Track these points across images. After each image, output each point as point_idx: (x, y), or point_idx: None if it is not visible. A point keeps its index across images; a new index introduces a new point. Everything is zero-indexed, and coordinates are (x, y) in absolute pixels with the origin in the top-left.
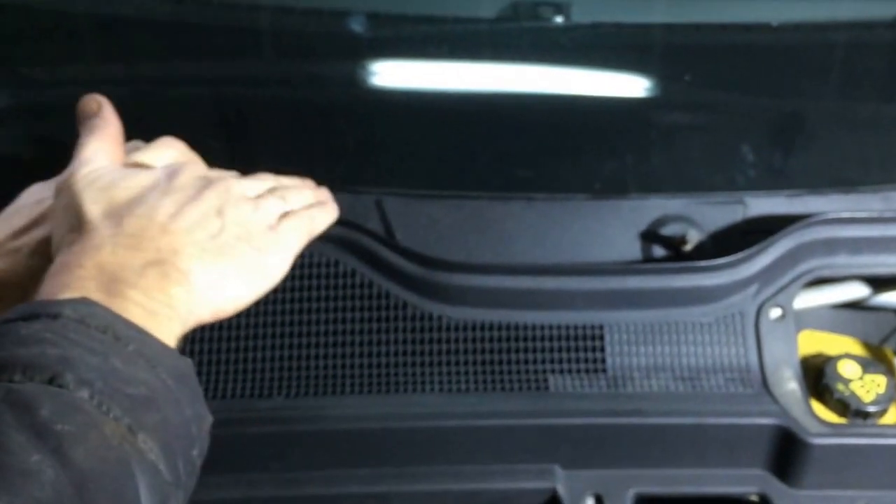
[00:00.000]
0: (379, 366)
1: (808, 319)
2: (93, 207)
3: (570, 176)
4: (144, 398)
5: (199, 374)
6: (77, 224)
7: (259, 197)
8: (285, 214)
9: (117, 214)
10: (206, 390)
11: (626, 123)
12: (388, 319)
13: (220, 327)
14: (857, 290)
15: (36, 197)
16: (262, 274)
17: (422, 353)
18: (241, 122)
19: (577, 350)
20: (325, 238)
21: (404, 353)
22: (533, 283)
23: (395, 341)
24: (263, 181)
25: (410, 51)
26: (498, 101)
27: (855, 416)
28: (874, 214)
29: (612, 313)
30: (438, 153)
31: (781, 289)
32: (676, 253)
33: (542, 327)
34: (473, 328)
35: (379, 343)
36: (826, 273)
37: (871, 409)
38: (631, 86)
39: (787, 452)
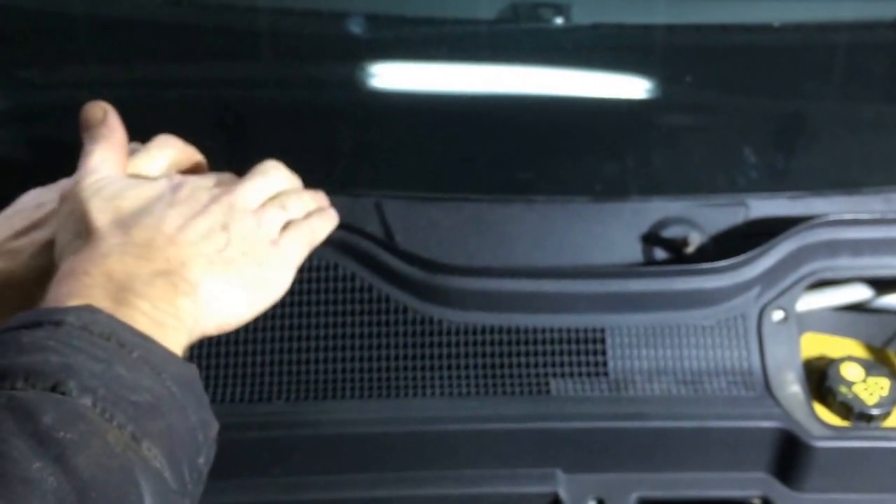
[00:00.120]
0: (379, 370)
1: (811, 322)
2: (100, 216)
3: (570, 178)
4: (149, 405)
5: None
6: (83, 231)
7: (261, 208)
8: (286, 225)
9: (125, 224)
10: None
11: (626, 125)
12: (388, 323)
13: None
14: (860, 293)
15: (36, 200)
16: (266, 288)
17: (422, 357)
18: (239, 124)
19: (578, 353)
20: (324, 242)
21: (405, 357)
22: (534, 286)
23: (396, 345)
24: (264, 188)
25: (410, 52)
26: (498, 103)
27: (858, 418)
28: (876, 216)
29: (614, 316)
30: (438, 155)
31: (784, 291)
32: (678, 255)
33: (543, 330)
34: (474, 331)
35: (379, 347)
36: (828, 275)
37: (875, 411)
38: (631, 87)
39: (790, 456)
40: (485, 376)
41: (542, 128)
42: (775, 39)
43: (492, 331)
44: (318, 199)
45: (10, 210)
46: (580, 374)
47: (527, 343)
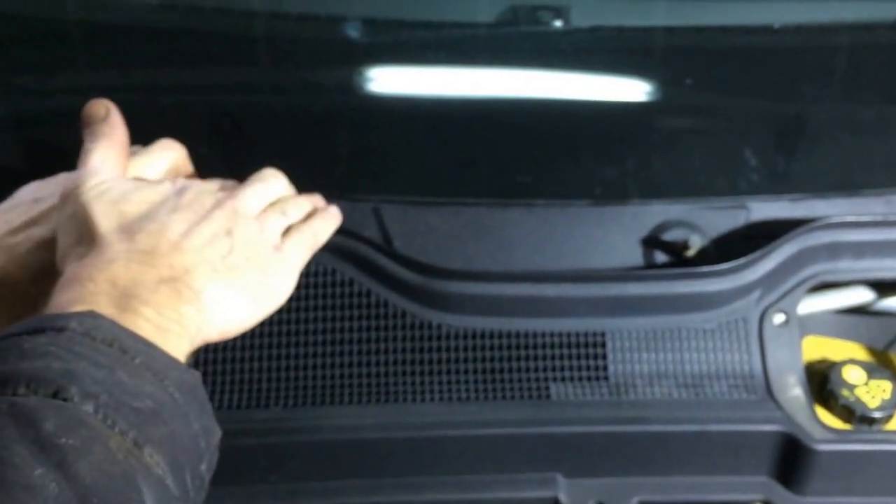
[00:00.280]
0: (378, 375)
1: (812, 325)
2: (104, 221)
3: (570, 181)
4: (151, 411)
5: None
6: (87, 236)
7: (263, 213)
8: (287, 230)
9: (129, 229)
10: None
11: (626, 128)
12: (386, 328)
13: None
14: (862, 295)
15: (34, 195)
16: (269, 295)
17: (421, 362)
18: (236, 129)
19: (578, 357)
20: (323, 247)
21: (403, 362)
22: (533, 290)
23: (395, 350)
24: (264, 194)
25: (408, 56)
26: (497, 107)
27: (860, 422)
28: (878, 218)
29: (614, 320)
30: (437, 159)
31: (785, 294)
32: (679, 259)
33: (544, 335)
34: (473, 336)
35: (378, 352)
36: (830, 278)
37: (877, 414)
38: (631, 90)
39: (792, 459)
40: (484, 381)
41: (541, 131)
42: (775, 41)
43: (491, 335)
44: (315, 201)
45: (7, 204)
46: (580, 378)
47: (527, 347)
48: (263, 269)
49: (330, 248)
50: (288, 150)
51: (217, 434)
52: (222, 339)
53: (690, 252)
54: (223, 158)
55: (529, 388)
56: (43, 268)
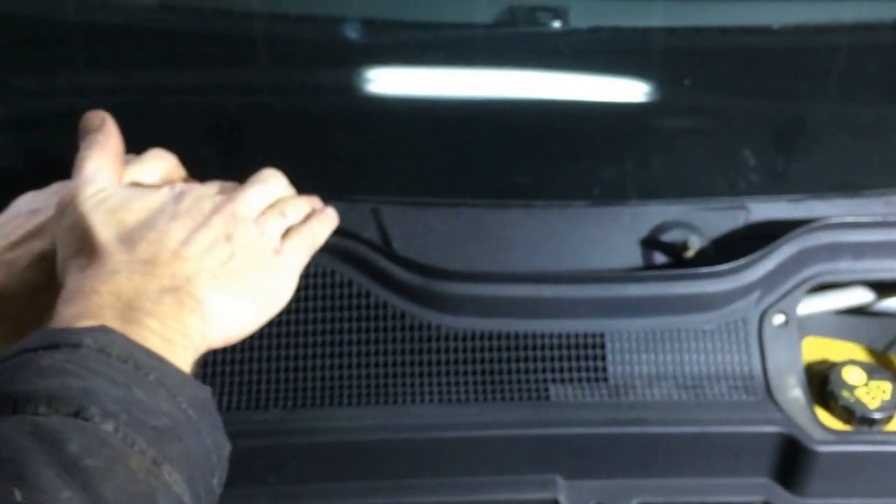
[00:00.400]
0: (377, 376)
1: (812, 325)
2: (103, 230)
3: (569, 182)
4: (167, 429)
5: None
6: (87, 247)
7: (262, 216)
8: (287, 232)
9: (129, 239)
10: None
11: (625, 128)
12: (385, 329)
13: None
14: (861, 296)
15: (30, 206)
16: (270, 298)
17: (420, 364)
18: (235, 130)
19: (578, 359)
20: (321, 248)
21: (402, 364)
22: (532, 291)
23: (394, 351)
24: (263, 196)
25: (407, 57)
26: (496, 107)
27: (860, 423)
28: (878, 219)
29: (613, 321)
30: (435, 160)
31: (784, 295)
32: (678, 259)
33: (543, 336)
34: (473, 337)
35: (377, 353)
36: (829, 278)
37: (877, 415)
38: (630, 90)
39: (792, 460)
40: (483, 382)
41: (540, 132)
42: (774, 41)
43: (490, 336)
44: (313, 202)
45: (3, 217)
46: (580, 380)
47: (526, 348)
48: (264, 273)
49: (329, 249)
50: (287, 151)
51: (227, 448)
52: (226, 345)
53: (690, 253)
54: (223, 159)
55: (529, 390)
56: (43, 281)
